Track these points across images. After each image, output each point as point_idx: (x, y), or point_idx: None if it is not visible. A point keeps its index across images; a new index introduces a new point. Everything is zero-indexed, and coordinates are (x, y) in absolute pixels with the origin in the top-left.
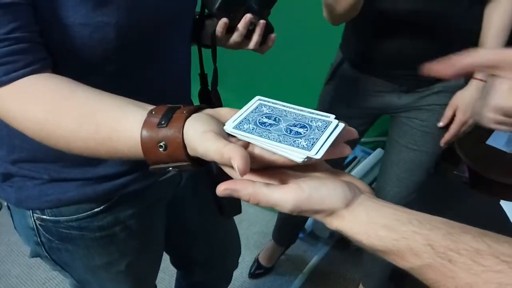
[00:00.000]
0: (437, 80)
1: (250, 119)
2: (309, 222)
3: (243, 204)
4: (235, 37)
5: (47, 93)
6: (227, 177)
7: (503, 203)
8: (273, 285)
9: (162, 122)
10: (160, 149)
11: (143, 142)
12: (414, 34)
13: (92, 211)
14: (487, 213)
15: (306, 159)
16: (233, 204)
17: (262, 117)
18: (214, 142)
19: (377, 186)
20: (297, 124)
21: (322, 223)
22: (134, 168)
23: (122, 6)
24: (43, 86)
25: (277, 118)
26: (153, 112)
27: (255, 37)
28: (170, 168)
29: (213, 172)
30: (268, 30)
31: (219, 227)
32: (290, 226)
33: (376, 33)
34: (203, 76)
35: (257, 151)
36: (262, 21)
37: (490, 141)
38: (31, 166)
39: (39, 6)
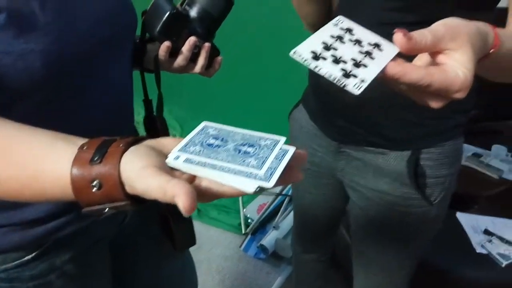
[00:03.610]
0: (373, 143)
1: (197, 141)
2: (271, 242)
3: (203, 225)
4: (180, 60)
5: None
6: (177, 209)
7: (459, 215)
8: None
9: (95, 158)
10: (94, 189)
11: (74, 181)
12: None
13: (22, 259)
14: (445, 224)
15: (258, 189)
16: (187, 236)
17: (209, 139)
18: (155, 178)
19: None
20: (246, 144)
21: (284, 243)
22: (69, 208)
23: (49, 32)
24: None
25: (224, 139)
26: (85, 147)
27: (201, 60)
28: (107, 210)
29: (161, 204)
30: (214, 53)
31: (172, 262)
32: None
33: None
34: (147, 102)
35: (204, 183)
36: (207, 44)
37: None
38: None
39: None
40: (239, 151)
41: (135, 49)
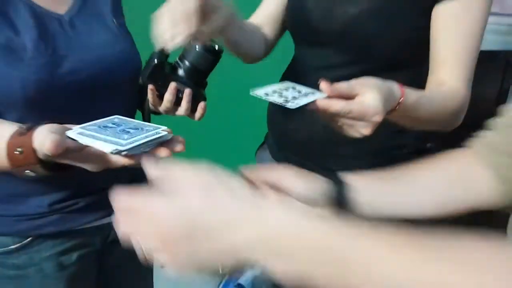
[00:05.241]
0: None
1: (98, 124)
2: (248, 280)
3: None
4: (164, 102)
5: None
6: None
7: None
8: None
9: (23, 131)
10: (17, 153)
11: (7, 148)
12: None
13: (8, 247)
14: None
15: (115, 151)
16: None
17: (109, 124)
18: (45, 136)
19: None
20: (132, 128)
21: (262, 280)
22: (49, 211)
23: (31, 65)
24: None
25: (120, 124)
26: (24, 125)
27: (183, 104)
28: (28, 171)
29: None
30: (198, 98)
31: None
32: None
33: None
34: None
35: (92, 150)
36: (187, 90)
37: None
38: None
39: None
40: (124, 131)
41: (140, 93)
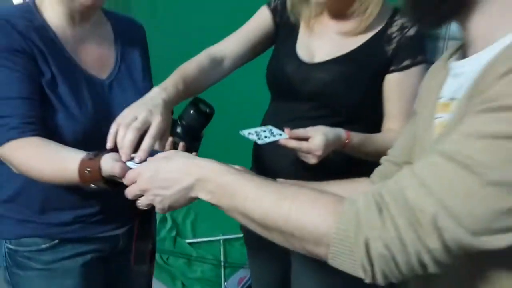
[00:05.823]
0: None
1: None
2: None
3: None
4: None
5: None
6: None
7: None
8: None
9: (91, 157)
10: (86, 172)
11: (79, 168)
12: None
13: (40, 246)
14: None
15: None
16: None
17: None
18: (113, 163)
19: None
20: None
21: None
22: (73, 221)
23: (77, 119)
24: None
25: None
26: (90, 153)
27: None
28: (92, 186)
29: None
30: (191, 150)
31: None
32: None
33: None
34: None
35: None
36: (181, 143)
37: None
38: (11, 206)
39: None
40: None
41: None
